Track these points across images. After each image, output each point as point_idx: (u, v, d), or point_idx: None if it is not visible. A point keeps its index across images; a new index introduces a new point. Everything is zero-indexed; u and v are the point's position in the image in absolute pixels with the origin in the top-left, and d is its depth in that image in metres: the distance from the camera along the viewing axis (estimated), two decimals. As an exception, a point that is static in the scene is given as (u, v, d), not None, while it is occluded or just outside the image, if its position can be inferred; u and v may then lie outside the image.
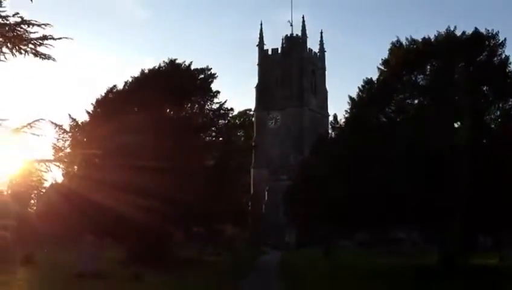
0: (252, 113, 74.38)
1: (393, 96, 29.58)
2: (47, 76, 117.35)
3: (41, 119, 13.10)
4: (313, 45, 78.83)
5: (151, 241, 34.62)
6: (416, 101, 29.67)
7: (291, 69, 75.89)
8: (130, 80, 39.69)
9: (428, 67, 29.82)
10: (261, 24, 78.98)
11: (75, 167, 37.54)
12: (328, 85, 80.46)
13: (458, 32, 30.03)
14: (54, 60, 13.37)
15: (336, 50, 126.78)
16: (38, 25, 13.29)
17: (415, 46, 30.92)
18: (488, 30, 29.53)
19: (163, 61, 40.75)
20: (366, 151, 27.40)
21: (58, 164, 13.89)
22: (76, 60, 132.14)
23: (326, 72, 79.87)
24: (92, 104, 39.43)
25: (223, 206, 37.85)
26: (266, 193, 65.48)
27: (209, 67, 40.83)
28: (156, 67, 40.29)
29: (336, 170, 29.24)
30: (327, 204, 29.61)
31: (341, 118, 31.93)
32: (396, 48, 31.31)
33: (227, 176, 41.16)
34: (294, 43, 76.63)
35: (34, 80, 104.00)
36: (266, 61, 77.26)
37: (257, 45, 78.20)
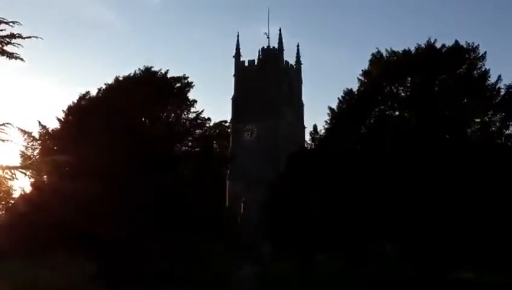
0: (227, 124, 73.49)
1: (374, 107, 29.19)
2: (15, 79, 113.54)
3: (7, 123, 12.05)
4: (289, 57, 78.56)
5: (123, 255, 33.26)
6: (397, 113, 29.33)
7: (267, 81, 75.21)
8: (104, 87, 38.51)
9: (409, 78, 29.59)
10: (238, 35, 78.43)
11: (45, 176, 36.02)
12: (305, 98, 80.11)
13: (438, 45, 29.90)
14: (22, 60, 12.39)
15: (312, 63, 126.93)
16: (6, 23, 12.27)
17: (395, 58, 30.68)
18: (469, 43, 29.48)
19: (139, 68, 39.75)
20: (345, 165, 26.88)
21: (25, 171, 12.78)
22: (46, 65, 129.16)
23: (303, 85, 79.49)
24: (63, 111, 38.05)
25: (198, 217, 36.76)
26: (242, 205, 64.38)
27: (186, 75, 39.96)
28: (131, 75, 39.21)
29: (314, 184, 28.66)
30: (303, 218, 28.94)
31: (321, 129, 31.53)
32: (376, 59, 31.03)
33: (203, 187, 40.14)
34: (271, 55, 76.08)
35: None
36: (242, 72, 76.47)
37: (233, 56, 77.46)
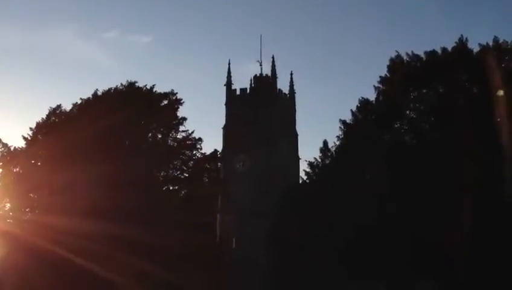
0: (218, 155, 67.86)
1: (400, 116, 24.20)
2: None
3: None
4: (282, 87, 73.82)
5: None
6: (427, 125, 24.27)
7: (260, 110, 70.22)
8: (79, 101, 32.76)
9: (440, 82, 24.57)
10: (229, 63, 73.39)
11: (7, 204, 30.25)
12: (298, 128, 75.06)
13: (472, 45, 24.99)
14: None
15: (306, 93, 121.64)
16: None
17: (418, 63, 25.72)
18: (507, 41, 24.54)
19: (121, 83, 34.14)
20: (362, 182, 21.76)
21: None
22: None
23: (297, 115, 74.55)
24: (30, 128, 32.10)
25: (186, 251, 30.95)
26: (234, 239, 58.42)
27: (174, 91, 34.47)
28: (112, 90, 33.59)
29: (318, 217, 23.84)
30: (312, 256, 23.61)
31: (332, 146, 26.40)
32: (397, 65, 26.04)
33: (193, 218, 34.29)
34: (264, 83, 71.22)
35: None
36: (234, 101, 71.40)
37: (225, 85, 72.47)
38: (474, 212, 21.86)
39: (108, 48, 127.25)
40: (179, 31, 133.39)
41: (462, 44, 25.16)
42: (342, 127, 26.36)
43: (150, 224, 30.72)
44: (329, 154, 27.11)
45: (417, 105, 24.98)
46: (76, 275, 28.12)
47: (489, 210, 22.55)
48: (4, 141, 32.04)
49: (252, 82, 72.08)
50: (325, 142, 27.77)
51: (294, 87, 74.58)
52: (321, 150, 28.53)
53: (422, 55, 26.08)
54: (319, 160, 28.98)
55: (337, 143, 26.48)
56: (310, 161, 28.50)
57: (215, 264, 42.93)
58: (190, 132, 33.95)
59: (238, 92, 72.10)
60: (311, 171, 29.59)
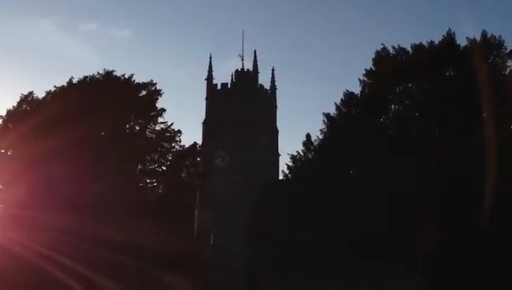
0: (198, 148, 66.73)
1: (386, 108, 23.55)
2: None
3: None
4: (264, 81, 72.82)
5: None
6: (416, 114, 23.67)
7: (240, 105, 69.14)
8: (53, 89, 31.27)
9: (427, 76, 23.95)
10: (210, 57, 72.00)
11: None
12: (279, 124, 74.20)
13: (459, 39, 24.42)
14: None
15: (287, 89, 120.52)
16: None
17: (404, 56, 25.06)
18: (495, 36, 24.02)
19: (98, 72, 32.74)
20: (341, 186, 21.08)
21: None
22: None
23: (278, 111, 73.67)
24: (0, 116, 30.59)
25: (163, 247, 29.84)
26: (212, 235, 57.26)
27: (153, 82, 33.21)
28: (88, 78, 32.16)
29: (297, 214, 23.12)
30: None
31: (315, 139, 25.62)
32: (382, 58, 25.35)
33: (170, 214, 33.14)
34: (245, 78, 70.10)
35: None
36: (215, 96, 70.06)
37: (205, 79, 71.09)
38: (456, 205, 21.31)
39: (87, 40, 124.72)
40: (159, 25, 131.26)
41: (450, 38, 24.61)
42: (326, 120, 25.61)
43: (126, 219, 29.53)
44: (312, 147, 26.31)
45: (403, 99, 24.34)
46: (50, 271, 26.92)
47: (470, 201, 22.01)
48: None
49: (233, 77, 70.77)
50: (308, 136, 26.99)
51: (276, 82, 73.74)
52: (304, 144, 27.70)
53: (409, 49, 25.45)
54: (301, 153, 28.24)
55: (321, 137, 25.67)
56: (292, 154, 27.86)
57: (192, 261, 41.88)
58: (169, 124, 32.82)
59: (219, 87, 70.91)
60: (293, 164, 28.86)
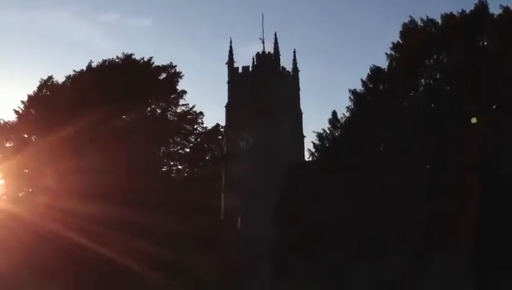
0: (220, 129, 66.32)
1: (417, 81, 22.45)
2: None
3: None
4: (286, 64, 71.59)
5: (103, 278, 26.69)
6: (448, 88, 22.51)
7: (263, 88, 68.19)
8: (73, 74, 30.85)
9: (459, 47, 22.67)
10: (231, 41, 70.94)
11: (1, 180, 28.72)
12: (302, 107, 73.05)
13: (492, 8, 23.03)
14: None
15: (310, 70, 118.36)
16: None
17: (433, 28, 23.80)
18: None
19: (117, 56, 32.16)
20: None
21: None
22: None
23: (301, 93, 72.48)
24: (22, 101, 30.30)
25: (190, 232, 29.48)
26: (239, 219, 56.91)
27: (173, 64, 32.54)
28: (107, 62, 31.62)
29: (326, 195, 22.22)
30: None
31: (341, 117, 24.72)
32: (410, 30, 24.15)
33: (195, 196, 32.70)
34: (267, 61, 69.00)
35: None
36: (236, 79, 69.32)
37: (226, 63, 70.37)
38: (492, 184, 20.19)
39: (107, 30, 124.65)
40: (178, 12, 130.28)
41: (482, 6, 23.28)
42: (352, 97, 24.61)
43: (152, 206, 29.21)
44: (338, 125, 25.43)
45: (433, 72, 23.17)
46: (82, 255, 26.99)
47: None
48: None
49: (255, 60, 69.84)
50: (334, 113, 26.05)
51: (298, 65, 72.51)
52: (330, 121, 26.73)
53: (438, 20, 24.19)
54: (328, 131, 27.29)
55: (347, 114, 24.71)
56: (319, 132, 26.95)
57: (219, 245, 41.58)
58: (190, 106, 32.17)
59: (240, 70, 70.12)
60: (319, 142, 27.92)
